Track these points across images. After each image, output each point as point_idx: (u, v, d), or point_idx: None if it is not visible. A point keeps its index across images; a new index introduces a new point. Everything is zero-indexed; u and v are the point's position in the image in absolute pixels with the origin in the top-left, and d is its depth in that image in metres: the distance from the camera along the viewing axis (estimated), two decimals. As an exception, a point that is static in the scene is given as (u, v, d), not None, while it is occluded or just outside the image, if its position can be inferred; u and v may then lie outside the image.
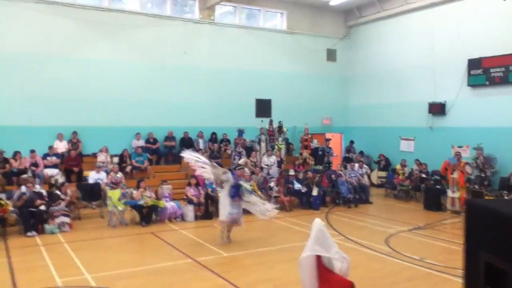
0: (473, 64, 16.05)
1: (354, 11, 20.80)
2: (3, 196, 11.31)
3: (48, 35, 15.27)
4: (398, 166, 16.67)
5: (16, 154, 13.80)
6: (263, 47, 19.40)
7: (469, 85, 16.26)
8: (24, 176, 12.79)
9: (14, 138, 14.36)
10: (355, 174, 15.41)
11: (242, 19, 19.51)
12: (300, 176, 14.99)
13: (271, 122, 18.27)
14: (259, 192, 13.53)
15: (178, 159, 16.75)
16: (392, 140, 18.98)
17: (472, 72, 16.12)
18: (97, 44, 16.14)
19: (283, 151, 17.64)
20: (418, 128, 18.11)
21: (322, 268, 4.24)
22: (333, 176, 15.13)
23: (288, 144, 18.80)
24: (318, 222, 4.38)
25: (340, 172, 15.19)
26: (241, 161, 11.02)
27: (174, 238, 10.51)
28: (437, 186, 14.50)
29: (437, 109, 17.32)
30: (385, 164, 18.53)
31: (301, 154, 17.76)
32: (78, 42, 15.80)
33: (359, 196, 14.86)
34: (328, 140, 18.47)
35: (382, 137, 19.54)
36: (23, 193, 11.03)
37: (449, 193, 13.55)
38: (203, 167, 9.82)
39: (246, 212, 10.47)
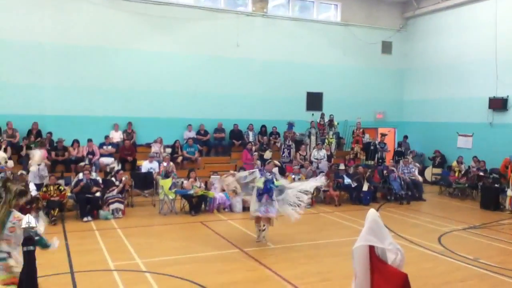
0: (540, 56, 15.14)
1: (411, 2, 20.07)
2: (62, 182, 11.88)
3: (106, 28, 15.83)
4: (454, 163, 16.00)
5: (74, 142, 14.45)
6: (316, 39, 19.14)
7: (534, 79, 15.37)
8: (82, 164, 13.38)
9: (73, 127, 15.07)
10: (408, 170, 14.93)
11: (295, 11, 19.33)
12: (351, 170, 14.72)
13: (322, 116, 18.03)
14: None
15: (228, 151, 16.97)
16: (449, 136, 18.22)
17: (538, 65, 15.21)
18: (151, 37, 16.55)
19: (333, 145, 17.39)
20: (477, 124, 17.31)
21: (375, 259, 4.11)
22: (385, 171, 14.75)
23: (338, 138, 18.49)
24: (372, 213, 4.25)
25: (393, 168, 14.77)
26: (266, 155, 10.58)
27: (222, 228, 10.62)
28: (496, 185, 13.79)
29: (499, 104, 16.46)
30: (441, 161, 17.84)
31: (352, 148, 17.44)
32: (134, 35, 16.28)
33: (411, 193, 14.40)
34: (383, 135, 17.98)
35: (439, 132, 18.79)
36: (80, 180, 11.53)
37: (509, 192, 12.85)
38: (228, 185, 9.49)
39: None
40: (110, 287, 6.74)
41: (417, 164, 16.12)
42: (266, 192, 8.96)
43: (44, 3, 15.01)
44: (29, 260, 4.54)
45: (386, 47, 20.66)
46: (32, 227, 4.57)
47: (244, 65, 17.87)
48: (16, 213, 4.69)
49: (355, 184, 13.88)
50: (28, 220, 4.59)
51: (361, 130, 17.64)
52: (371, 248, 4.17)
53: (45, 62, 15.10)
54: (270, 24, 18.38)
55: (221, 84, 17.49)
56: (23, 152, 13.52)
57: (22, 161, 13.38)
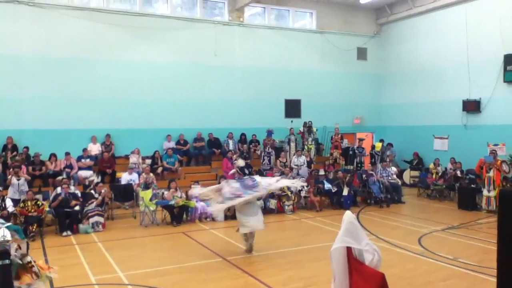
0: (510, 60, 15.59)
1: (385, 9, 20.51)
2: (39, 197, 11.66)
3: (83, 40, 15.69)
4: (431, 165, 16.30)
5: (52, 156, 14.22)
6: (293, 47, 19.35)
7: (505, 81, 15.84)
8: (60, 178, 13.15)
9: (50, 141, 14.84)
10: (387, 173, 15.15)
11: (272, 20, 19.52)
12: (330, 176, 14.86)
13: (305, 125, 18.11)
14: (288, 193, 13.55)
15: (208, 160, 16.94)
16: (425, 139, 18.59)
17: (508, 68, 15.69)
18: (129, 47, 16.48)
19: (312, 151, 17.54)
20: (452, 126, 17.69)
21: (353, 260, 4.19)
22: (364, 175, 14.92)
23: (318, 144, 18.65)
24: (349, 215, 4.35)
25: (371, 172, 14.97)
26: (239, 163, 10.78)
27: (205, 237, 10.58)
28: (472, 185, 14.11)
29: (472, 106, 16.87)
30: (418, 163, 18.14)
31: (331, 154, 17.62)
32: (111, 46, 16.18)
33: (391, 196, 14.60)
34: (361, 140, 18.24)
35: (415, 136, 19.15)
36: (59, 194, 11.34)
37: (485, 192, 13.15)
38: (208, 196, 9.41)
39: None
40: (93, 302, 6.65)
41: (394, 168, 16.30)
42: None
43: (21, 15, 14.78)
44: (5, 274, 4.49)
45: (362, 53, 21.00)
46: (7, 241, 4.51)
47: (222, 74, 17.93)
48: None
49: (336, 189, 14.01)
50: (3, 233, 4.52)
51: (339, 136, 17.83)
52: (349, 250, 4.25)
53: (22, 75, 14.85)
54: (247, 33, 18.50)
55: (200, 93, 17.48)
56: (2, 168, 13.26)
57: (-1, 176, 13.12)
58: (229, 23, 18.23)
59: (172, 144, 16.49)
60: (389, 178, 15.05)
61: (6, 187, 11.98)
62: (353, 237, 4.21)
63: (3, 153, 13.84)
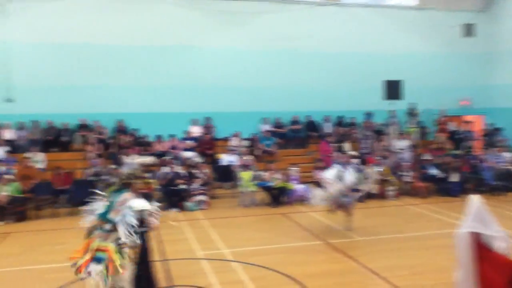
0: None
1: (495, -20, 18.70)
2: (148, 175, 12.38)
3: (180, 27, 16.36)
4: (554, 151, 14.69)
5: (158, 138, 15.04)
6: (392, 26, 18.41)
7: None
8: (166, 158, 13.86)
9: (156, 123, 15.63)
10: (502, 159, 13.91)
11: (369, -3, 18.73)
12: (437, 161, 14.00)
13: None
14: (391, 177, 13.03)
15: (304, 143, 16.83)
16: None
17: None
18: (225, 33, 16.83)
19: (415, 135, 16.66)
20: None
21: (482, 247, 3.85)
22: (474, 161, 13.85)
23: (421, 127, 17.66)
24: (475, 198, 4.01)
25: (483, 157, 13.85)
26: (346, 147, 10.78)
27: (304, 219, 10.54)
28: None
29: None
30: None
31: (436, 138, 16.60)
32: (208, 32, 16.67)
33: (507, 183, 13.39)
34: (468, 122, 16.94)
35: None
36: (165, 173, 11.98)
37: None
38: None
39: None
40: (201, 275, 6.90)
41: (509, 154, 14.91)
42: None
43: (123, 7, 15.81)
44: (143, 240, 5.10)
45: (469, 30, 19.27)
46: (143, 210, 5.03)
47: (318, 56, 17.57)
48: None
49: (443, 175, 13.17)
50: (143, 204, 5.08)
51: (445, 119, 16.71)
52: (476, 235, 3.92)
53: (127, 64, 15.91)
54: (344, 13, 17.91)
55: (296, 76, 17.35)
56: (115, 148, 14.30)
57: (113, 156, 14.13)
58: (325, 4, 17.79)
59: (268, 127, 16.61)
60: (504, 164, 13.80)
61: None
62: (482, 222, 3.87)
63: (115, 134, 14.89)
